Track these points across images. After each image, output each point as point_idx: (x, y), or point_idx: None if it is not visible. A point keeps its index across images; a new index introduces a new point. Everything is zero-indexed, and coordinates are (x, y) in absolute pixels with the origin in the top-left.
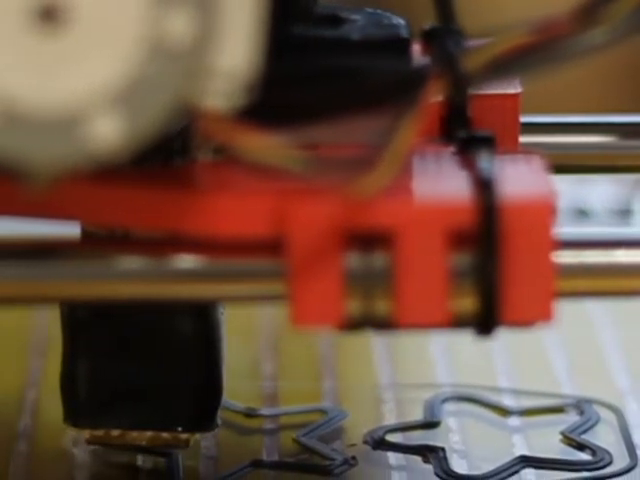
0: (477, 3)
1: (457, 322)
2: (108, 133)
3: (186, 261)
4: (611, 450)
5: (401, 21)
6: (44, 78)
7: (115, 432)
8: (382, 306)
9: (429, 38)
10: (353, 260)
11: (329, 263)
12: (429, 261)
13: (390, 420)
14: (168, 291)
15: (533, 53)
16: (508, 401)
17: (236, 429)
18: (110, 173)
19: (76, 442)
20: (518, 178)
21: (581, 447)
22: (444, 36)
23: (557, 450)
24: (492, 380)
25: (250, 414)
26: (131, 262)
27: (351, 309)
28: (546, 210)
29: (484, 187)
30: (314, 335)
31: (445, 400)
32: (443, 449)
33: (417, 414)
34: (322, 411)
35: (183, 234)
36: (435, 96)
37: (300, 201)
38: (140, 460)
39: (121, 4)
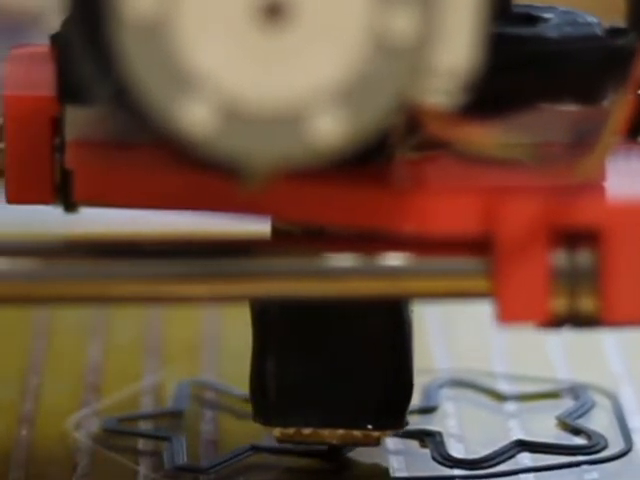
0: None
1: None
2: (330, 131)
3: (391, 258)
4: (606, 435)
5: (594, 19)
6: (267, 75)
7: (306, 430)
8: (588, 304)
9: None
10: (559, 258)
11: (535, 261)
12: (636, 259)
13: None
14: (371, 289)
15: None
16: (504, 386)
17: (237, 414)
18: (307, 170)
19: (78, 426)
20: None
21: (576, 432)
22: None
23: (553, 435)
24: (489, 366)
25: None
26: (336, 260)
27: (557, 307)
28: None
29: None
30: None
31: (442, 385)
32: (440, 434)
33: (414, 399)
34: None
35: (385, 232)
36: None
37: (506, 199)
38: (141, 444)
39: (346, 1)
